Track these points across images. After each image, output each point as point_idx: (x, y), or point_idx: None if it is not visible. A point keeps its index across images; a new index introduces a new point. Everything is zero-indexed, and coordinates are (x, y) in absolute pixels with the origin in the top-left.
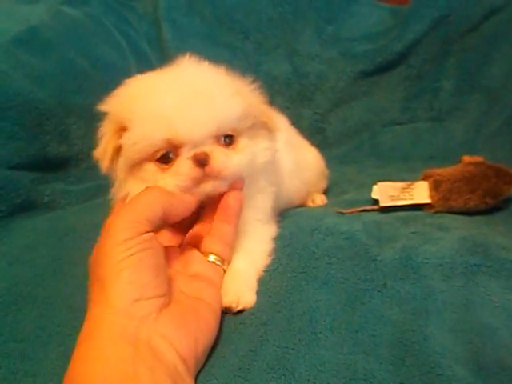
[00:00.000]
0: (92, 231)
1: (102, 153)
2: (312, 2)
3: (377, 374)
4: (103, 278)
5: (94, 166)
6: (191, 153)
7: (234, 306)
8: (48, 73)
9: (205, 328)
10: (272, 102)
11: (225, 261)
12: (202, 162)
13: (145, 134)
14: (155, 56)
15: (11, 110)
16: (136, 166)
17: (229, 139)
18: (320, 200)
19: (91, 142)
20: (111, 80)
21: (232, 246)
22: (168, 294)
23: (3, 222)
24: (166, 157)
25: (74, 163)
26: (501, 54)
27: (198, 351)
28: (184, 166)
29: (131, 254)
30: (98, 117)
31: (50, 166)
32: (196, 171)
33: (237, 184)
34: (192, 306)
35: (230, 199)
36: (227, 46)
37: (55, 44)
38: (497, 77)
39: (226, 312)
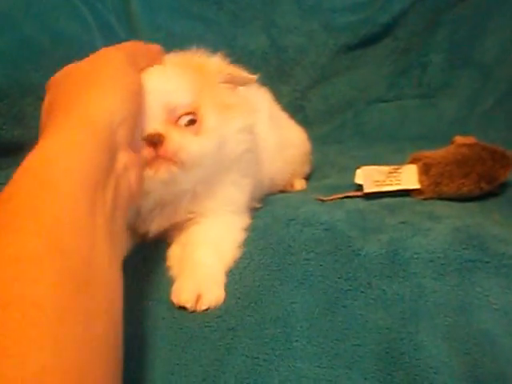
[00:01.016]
0: None
1: None
2: None
3: None
4: (98, 84)
5: None
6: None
7: (189, 305)
8: (1, 50)
9: None
10: None
11: None
12: (154, 141)
13: None
14: (123, 30)
15: None
16: None
17: (189, 119)
18: (299, 185)
19: None
20: (74, 56)
21: None
22: None
23: None
24: None
25: (30, 148)
26: (495, 25)
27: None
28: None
29: (130, 82)
30: None
31: (4, 151)
32: (148, 151)
33: None
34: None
35: None
36: (200, 19)
37: (10, 19)
38: (490, 50)
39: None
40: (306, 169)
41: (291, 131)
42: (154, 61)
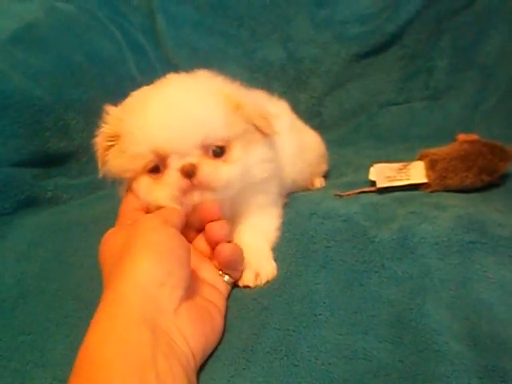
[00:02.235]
0: (94, 224)
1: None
2: None
3: (376, 353)
4: (131, 255)
5: (94, 160)
6: (179, 164)
7: (251, 284)
8: (45, 70)
9: (215, 328)
10: (268, 87)
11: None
12: (189, 173)
13: (133, 146)
14: (151, 47)
15: (10, 109)
16: (132, 181)
17: (219, 150)
18: (319, 183)
19: (90, 135)
20: (108, 73)
21: None
22: (188, 290)
23: (8, 219)
24: (156, 168)
25: (74, 157)
26: (495, 31)
27: (206, 349)
28: (172, 176)
29: (164, 239)
30: (97, 110)
31: (52, 161)
32: (184, 182)
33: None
34: (205, 305)
35: (223, 253)
36: (222, 34)
37: (51, 41)
38: (491, 53)
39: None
40: (323, 168)
41: (308, 136)
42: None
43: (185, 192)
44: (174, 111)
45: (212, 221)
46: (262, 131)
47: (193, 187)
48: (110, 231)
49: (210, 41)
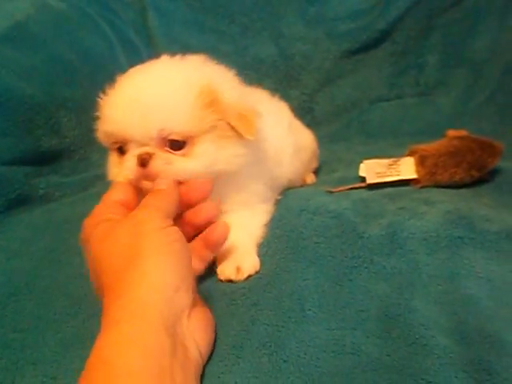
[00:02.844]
0: None
1: None
2: None
3: (364, 348)
4: (143, 258)
5: (86, 158)
6: (136, 152)
7: (233, 277)
8: (36, 68)
9: (213, 326)
10: (260, 84)
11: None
12: (143, 161)
13: (103, 127)
14: (142, 43)
15: (2, 107)
16: (110, 151)
17: (178, 143)
18: (310, 179)
19: (82, 133)
20: (100, 71)
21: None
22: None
23: (1, 217)
24: (120, 149)
25: (66, 155)
26: (484, 27)
27: (210, 350)
28: (129, 161)
29: (173, 241)
30: (88, 108)
31: (44, 159)
32: (137, 170)
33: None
34: (204, 308)
35: (217, 232)
36: (213, 31)
37: (42, 39)
38: (481, 50)
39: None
40: (314, 165)
41: (303, 135)
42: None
43: (139, 179)
44: (138, 98)
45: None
46: (237, 131)
47: (146, 176)
48: (96, 224)
49: (202, 37)
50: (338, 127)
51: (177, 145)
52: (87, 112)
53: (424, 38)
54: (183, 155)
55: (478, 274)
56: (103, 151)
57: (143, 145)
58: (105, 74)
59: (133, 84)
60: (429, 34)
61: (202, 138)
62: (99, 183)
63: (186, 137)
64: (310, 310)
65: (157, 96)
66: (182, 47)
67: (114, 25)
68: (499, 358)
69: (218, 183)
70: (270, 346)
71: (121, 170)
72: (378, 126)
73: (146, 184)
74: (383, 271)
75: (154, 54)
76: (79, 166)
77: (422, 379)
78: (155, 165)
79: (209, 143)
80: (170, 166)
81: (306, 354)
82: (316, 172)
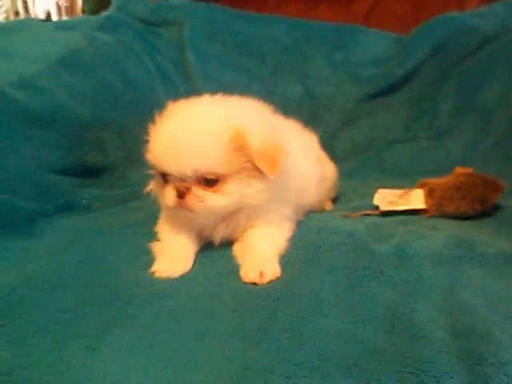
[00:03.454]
0: (125, 229)
1: None
2: (322, 31)
3: (371, 338)
4: None
5: (124, 175)
6: (175, 184)
7: (258, 280)
8: (86, 92)
9: None
10: None
11: None
12: (180, 194)
13: (148, 157)
14: (179, 78)
15: (56, 123)
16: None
17: (212, 181)
18: (328, 206)
19: (123, 153)
20: (141, 99)
21: None
22: None
23: (48, 220)
24: (164, 176)
25: (107, 171)
26: (494, 78)
27: None
28: (170, 192)
29: None
30: (130, 132)
31: (88, 172)
32: (175, 200)
33: None
34: None
35: None
36: (245, 70)
37: (92, 66)
38: (491, 99)
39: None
40: (333, 194)
41: (328, 167)
42: None
43: (177, 207)
44: (175, 141)
45: None
46: (261, 171)
47: (183, 206)
48: None
49: (235, 76)
50: (356, 164)
51: (210, 182)
52: (129, 134)
53: (439, 85)
54: (215, 191)
55: (475, 286)
56: (140, 171)
57: (181, 179)
58: (145, 103)
59: (173, 123)
60: (443, 83)
61: (232, 177)
62: (136, 199)
63: (218, 176)
64: (325, 307)
65: (193, 139)
66: (216, 83)
67: (155, 60)
68: (488, 348)
69: (248, 207)
70: (291, 332)
71: (163, 197)
72: (393, 165)
73: (183, 212)
74: (391, 281)
75: (189, 87)
76: (118, 182)
77: (421, 362)
78: (191, 201)
79: (238, 182)
80: (202, 203)
81: (321, 340)
82: (333, 201)
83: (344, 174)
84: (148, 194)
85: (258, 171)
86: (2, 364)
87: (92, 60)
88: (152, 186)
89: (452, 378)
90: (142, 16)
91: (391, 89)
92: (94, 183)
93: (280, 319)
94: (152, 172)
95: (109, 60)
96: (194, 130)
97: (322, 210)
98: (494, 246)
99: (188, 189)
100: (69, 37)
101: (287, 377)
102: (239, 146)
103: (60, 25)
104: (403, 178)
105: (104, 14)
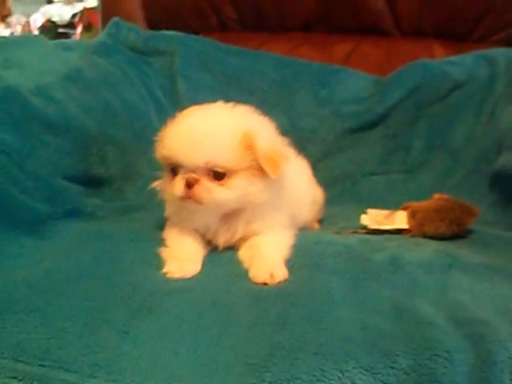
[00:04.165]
0: (132, 235)
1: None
2: (309, 69)
3: (382, 325)
4: None
5: (121, 189)
6: (185, 176)
7: (269, 281)
8: (92, 106)
9: None
10: None
11: None
12: (189, 184)
13: (162, 151)
14: (170, 104)
15: (69, 132)
16: (165, 170)
17: (220, 174)
18: (316, 226)
19: (121, 168)
20: (135, 120)
21: None
22: None
23: (57, 223)
24: (173, 170)
25: (107, 184)
26: (462, 121)
27: None
28: (179, 182)
29: None
30: (125, 149)
31: (91, 182)
32: (184, 190)
33: None
34: None
35: None
36: (234, 100)
37: (95, 84)
38: (459, 138)
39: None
40: (320, 215)
41: (317, 190)
42: None
43: (184, 198)
44: (191, 134)
45: None
46: (266, 171)
47: (190, 196)
48: None
49: None
50: (334, 194)
51: (218, 175)
52: (126, 151)
53: (412, 125)
54: (221, 185)
55: (464, 288)
56: (136, 187)
57: (192, 171)
58: (140, 124)
59: (191, 121)
60: (416, 122)
61: (239, 173)
62: (135, 212)
63: (226, 170)
64: (336, 300)
65: (209, 135)
66: None
67: (146, 85)
68: (486, 330)
69: (247, 209)
70: (310, 320)
71: (171, 188)
72: (368, 195)
73: (190, 202)
74: (389, 283)
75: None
76: (115, 195)
77: (432, 341)
78: (198, 190)
79: (243, 178)
80: (209, 194)
81: (339, 327)
82: (320, 223)
83: (324, 202)
84: (153, 191)
85: (261, 171)
86: (37, 344)
87: (93, 78)
88: (159, 183)
89: (461, 352)
90: (132, 44)
91: (369, 125)
92: (95, 193)
93: (298, 310)
94: (154, 185)
95: (106, 81)
96: (211, 127)
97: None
98: (476, 258)
99: (197, 180)
100: (69, 56)
101: (315, 353)
102: (248, 146)
103: (59, 44)
104: (378, 208)
105: (97, 39)
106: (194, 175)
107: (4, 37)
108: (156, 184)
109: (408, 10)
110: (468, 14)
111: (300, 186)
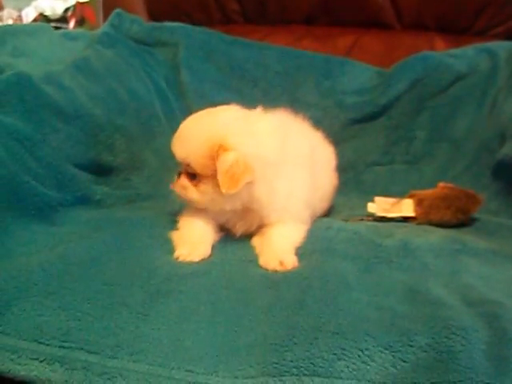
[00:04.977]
0: (143, 220)
1: None
2: (313, 61)
3: (396, 307)
4: None
5: (128, 179)
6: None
7: (278, 268)
8: (99, 95)
9: None
10: None
11: None
12: (177, 176)
13: None
14: (173, 95)
15: (78, 120)
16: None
17: (192, 176)
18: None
19: (128, 157)
20: (141, 110)
21: None
22: None
23: (67, 210)
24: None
25: (115, 173)
26: (464, 112)
27: None
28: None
29: None
30: (132, 138)
31: (100, 170)
32: (175, 182)
33: None
34: None
35: None
36: (238, 92)
37: (101, 74)
38: (460, 130)
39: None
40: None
41: (334, 179)
42: None
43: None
44: (181, 131)
45: None
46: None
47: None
48: None
49: (227, 96)
50: (338, 184)
51: (191, 176)
52: (133, 140)
53: (415, 116)
54: (194, 185)
55: (473, 272)
56: (142, 176)
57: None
58: (145, 113)
59: (189, 119)
60: (419, 114)
61: (207, 179)
62: (143, 200)
63: (196, 173)
64: (350, 283)
65: (189, 135)
66: (209, 103)
67: (150, 76)
68: (500, 309)
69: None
70: (326, 301)
71: None
72: (371, 185)
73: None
74: (401, 267)
75: (183, 105)
76: (123, 184)
77: (448, 319)
78: (177, 186)
79: (210, 185)
80: (184, 191)
81: (355, 308)
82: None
83: None
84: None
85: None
86: (58, 327)
87: (99, 68)
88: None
89: (477, 331)
90: (135, 36)
91: (373, 116)
92: (104, 181)
93: (314, 293)
94: None
95: (112, 70)
96: (194, 129)
97: None
98: (483, 244)
99: (179, 174)
100: (75, 45)
101: (335, 333)
102: (212, 156)
103: (65, 34)
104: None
105: (100, 30)
106: (180, 169)
107: (13, 25)
108: None
109: (409, 3)
110: (468, 7)
111: (326, 176)
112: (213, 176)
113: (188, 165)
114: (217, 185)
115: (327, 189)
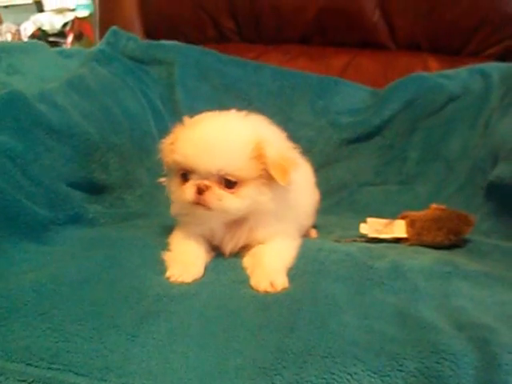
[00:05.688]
0: (135, 241)
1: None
2: (307, 80)
3: (387, 330)
4: None
5: (121, 197)
6: (197, 182)
7: (269, 289)
8: (93, 114)
9: None
10: None
11: None
12: (200, 190)
13: (174, 156)
14: (168, 113)
15: (72, 138)
16: (173, 176)
17: (231, 183)
18: (314, 233)
19: (122, 175)
20: (135, 128)
21: None
22: None
23: (59, 229)
24: (184, 176)
25: (108, 191)
26: (457, 133)
27: None
28: (190, 188)
29: None
30: (126, 157)
31: (93, 189)
32: (195, 196)
33: None
34: None
35: None
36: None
37: (96, 92)
38: (453, 150)
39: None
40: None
41: (317, 194)
42: None
43: (194, 204)
44: (206, 142)
45: None
46: (276, 179)
47: (200, 202)
48: None
49: None
50: (331, 203)
51: (230, 183)
52: (126, 159)
53: (408, 136)
54: (232, 193)
55: (464, 295)
56: (135, 195)
57: (204, 178)
58: (139, 132)
59: (205, 127)
60: (412, 134)
61: (250, 182)
62: (135, 219)
63: (238, 179)
64: (341, 306)
65: (223, 143)
66: None
67: (145, 94)
68: (490, 334)
69: (251, 217)
70: (317, 324)
71: (181, 193)
72: (364, 205)
73: (198, 208)
74: (392, 290)
75: (177, 122)
76: (116, 202)
77: (438, 344)
78: (209, 197)
79: (254, 187)
80: (220, 201)
81: (345, 331)
82: (317, 231)
83: (321, 211)
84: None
85: (271, 180)
86: (47, 347)
87: (94, 86)
88: (167, 183)
89: (467, 355)
90: (131, 53)
91: (366, 136)
92: (97, 200)
93: (304, 315)
94: (161, 180)
95: (107, 88)
96: (225, 136)
97: (309, 237)
98: (474, 266)
99: (208, 187)
100: (70, 63)
101: (324, 356)
102: (259, 155)
103: (60, 52)
104: (374, 217)
105: (96, 47)
106: (205, 182)
107: (8, 42)
108: (163, 180)
109: (403, 23)
110: (462, 28)
111: (306, 193)
112: (258, 176)
113: (225, 174)
114: (263, 184)
115: (310, 205)
